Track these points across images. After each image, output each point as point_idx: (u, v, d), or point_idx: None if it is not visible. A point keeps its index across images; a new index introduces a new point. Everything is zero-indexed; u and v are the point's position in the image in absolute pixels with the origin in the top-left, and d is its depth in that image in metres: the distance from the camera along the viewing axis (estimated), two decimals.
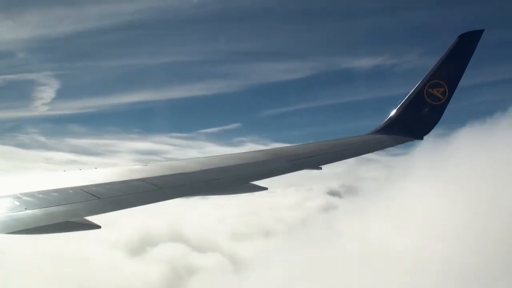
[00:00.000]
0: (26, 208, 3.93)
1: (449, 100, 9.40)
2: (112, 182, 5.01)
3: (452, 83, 9.36)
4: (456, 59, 9.27)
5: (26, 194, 4.25)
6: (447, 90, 9.33)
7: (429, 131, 9.66)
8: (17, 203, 4.05)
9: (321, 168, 7.22)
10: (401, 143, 9.41)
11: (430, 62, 9.70)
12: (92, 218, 4.20)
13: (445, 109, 9.45)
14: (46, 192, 4.36)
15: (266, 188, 5.92)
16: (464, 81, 9.41)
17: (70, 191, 4.52)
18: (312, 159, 7.48)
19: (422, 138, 9.67)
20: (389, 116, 9.95)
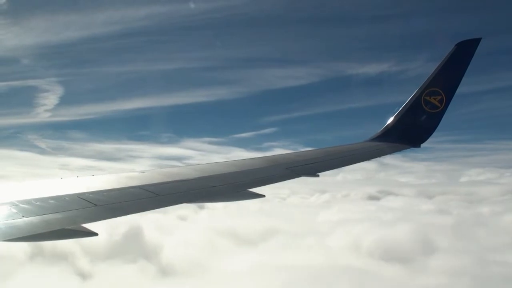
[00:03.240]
0: (23, 216, 3.95)
1: (446, 108, 9.44)
2: (109, 189, 5.02)
3: (449, 91, 9.40)
4: (453, 67, 9.32)
5: (23, 202, 4.26)
6: (444, 98, 9.38)
7: (426, 139, 9.70)
8: (14, 210, 4.06)
9: (318, 176, 7.24)
10: (398, 151, 9.45)
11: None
12: (89, 226, 4.21)
13: (442, 117, 9.50)
14: (43, 200, 4.38)
15: (263, 195, 5.91)
16: (461, 89, 9.49)
17: (67, 198, 4.53)
18: (309, 166, 7.50)
19: (419, 146, 9.71)
20: (387, 124, 9.99)
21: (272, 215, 77.19)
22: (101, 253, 52.45)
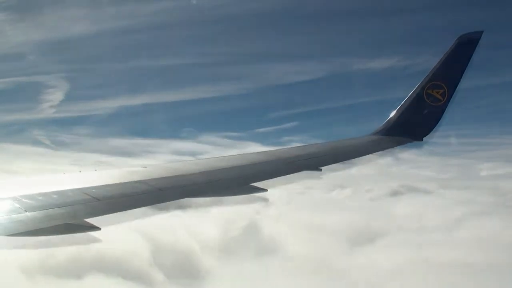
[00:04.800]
0: (26, 210, 3.96)
1: (448, 102, 9.41)
2: (112, 184, 5.04)
3: (451, 84, 9.36)
4: (455, 61, 9.27)
5: (26, 196, 4.28)
6: (446, 92, 9.34)
7: (428, 132, 9.66)
8: (17, 205, 4.08)
9: (321, 170, 7.24)
10: (400, 145, 9.42)
11: None
12: (92, 220, 4.23)
13: (445, 110, 9.46)
14: (46, 194, 4.39)
15: (266, 190, 5.93)
16: (464, 83, 9.43)
17: (70, 193, 4.54)
18: (311, 161, 7.50)
19: (421, 140, 9.68)
20: (389, 118, 9.96)
21: (335, 210, 69.10)
22: (225, 251, 48.19)
